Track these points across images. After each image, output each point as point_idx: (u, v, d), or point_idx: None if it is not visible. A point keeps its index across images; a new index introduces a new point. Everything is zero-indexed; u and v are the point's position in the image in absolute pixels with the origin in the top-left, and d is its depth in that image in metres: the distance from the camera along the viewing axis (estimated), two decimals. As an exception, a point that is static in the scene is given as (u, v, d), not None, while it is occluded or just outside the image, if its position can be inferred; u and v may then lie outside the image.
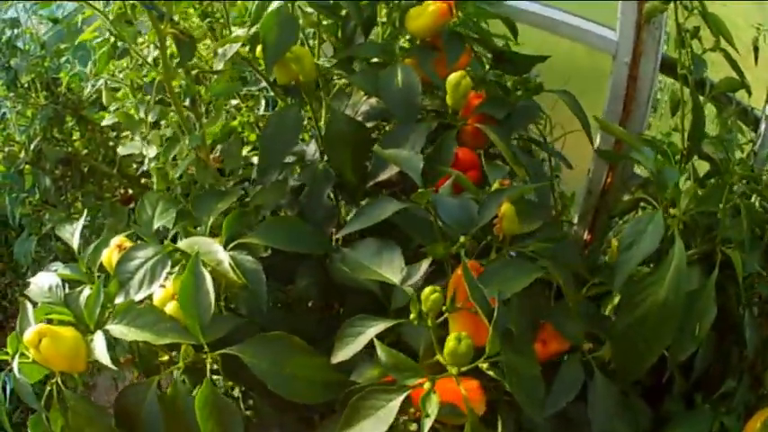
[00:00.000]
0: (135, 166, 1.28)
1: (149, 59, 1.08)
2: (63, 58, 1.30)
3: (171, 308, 1.02)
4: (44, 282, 1.12)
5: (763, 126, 1.43)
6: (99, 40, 1.14)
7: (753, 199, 1.34)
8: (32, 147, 1.25)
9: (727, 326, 1.27)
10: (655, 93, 1.35)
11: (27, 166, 1.28)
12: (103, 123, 1.13)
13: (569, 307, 1.07)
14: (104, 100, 1.12)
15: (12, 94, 1.25)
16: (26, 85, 1.26)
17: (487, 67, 1.21)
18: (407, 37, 1.20)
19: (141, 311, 1.02)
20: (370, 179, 1.09)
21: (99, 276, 1.08)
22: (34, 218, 1.31)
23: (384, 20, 1.20)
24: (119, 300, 1.03)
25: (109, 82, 1.13)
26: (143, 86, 1.11)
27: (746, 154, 1.41)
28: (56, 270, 1.13)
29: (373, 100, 1.14)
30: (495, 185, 1.01)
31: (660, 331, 1.08)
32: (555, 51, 1.43)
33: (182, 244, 1.04)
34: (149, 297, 1.04)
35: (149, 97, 1.08)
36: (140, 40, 1.10)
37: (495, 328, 0.89)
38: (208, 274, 0.98)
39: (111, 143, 1.30)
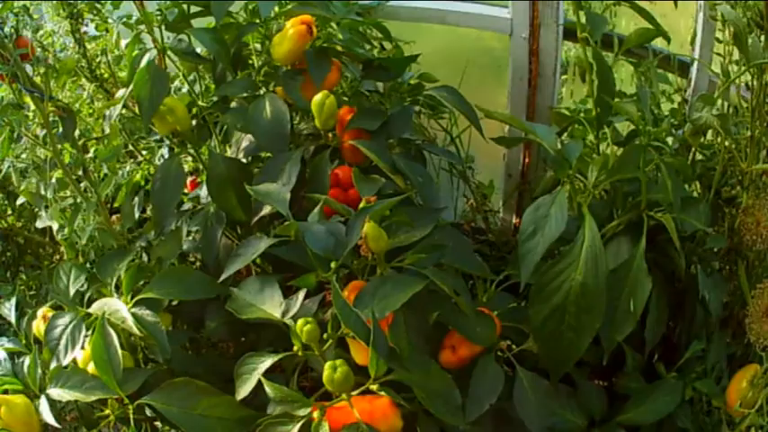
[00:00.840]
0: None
1: (40, 139, 1.14)
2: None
3: (92, 367, 1.10)
4: (-8, 356, 1.23)
5: (693, 70, 1.35)
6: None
7: (691, 151, 1.28)
8: (-31, 228, 1.34)
9: (678, 290, 1.23)
10: (563, 62, 1.31)
11: (-32, 247, 1.37)
12: (18, 203, 1.20)
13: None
14: (14, 181, 1.20)
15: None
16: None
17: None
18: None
19: (69, 374, 1.11)
20: (254, 215, 1.11)
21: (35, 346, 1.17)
22: (-17, 294, 1.41)
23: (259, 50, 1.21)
24: (52, 365, 1.12)
25: (15, 163, 1.20)
26: (39, 165, 1.18)
27: (678, 103, 1.34)
28: (2, 345, 1.23)
29: (251, 135, 1.16)
30: (362, 204, 1.01)
31: (586, 316, 1.06)
32: (462, 36, 1.41)
33: (93, 307, 1.11)
34: (74, 360, 1.12)
35: (51, 173, 1.14)
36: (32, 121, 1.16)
37: (375, 350, 0.90)
38: (114, 333, 1.05)
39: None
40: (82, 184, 1.16)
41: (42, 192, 1.15)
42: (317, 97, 1.10)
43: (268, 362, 1.00)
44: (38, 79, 1.15)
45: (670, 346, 1.29)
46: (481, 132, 1.18)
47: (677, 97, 1.34)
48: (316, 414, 0.94)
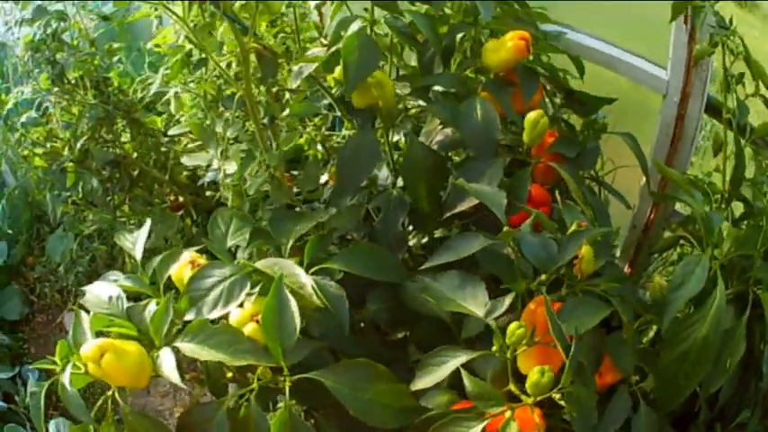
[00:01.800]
0: (186, 174, 1.25)
1: (230, 73, 1.06)
2: (115, 58, 1.25)
3: (250, 329, 1.01)
4: (103, 292, 1.09)
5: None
6: (167, 47, 1.11)
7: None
8: (79, 146, 1.20)
9: (748, 360, 1.35)
10: (698, 132, 1.41)
11: (70, 164, 1.23)
12: (171, 132, 1.10)
13: (624, 340, 1.11)
14: (173, 109, 1.09)
15: (56, 90, 1.20)
16: (73, 82, 1.21)
17: (554, 104, 1.24)
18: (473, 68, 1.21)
19: (216, 331, 1.00)
20: (446, 210, 1.10)
21: (169, 291, 1.06)
22: (75, 217, 1.26)
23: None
24: (189, 317, 1.01)
25: (179, 91, 1.10)
26: (218, 100, 1.09)
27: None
28: (115, 280, 1.10)
29: (449, 130, 1.15)
30: (574, 227, 1.04)
31: (699, 366, 1.14)
32: (599, 81, 1.47)
33: (260, 264, 1.03)
34: (225, 316, 1.03)
35: (228, 112, 1.06)
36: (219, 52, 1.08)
37: (571, 363, 0.93)
38: (292, 297, 0.99)
39: (163, 149, 1.27)
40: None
41: (219, 129, 1.07)
42: (533, 115, 1.11)
43: (463, 357, 0.98)
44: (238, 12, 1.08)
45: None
46: (648, 182, 1.24)
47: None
48: (507, 413, 0.95)
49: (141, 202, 1.26)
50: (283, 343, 0.97)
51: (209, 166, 1.09)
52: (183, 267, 1.06)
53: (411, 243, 1.17)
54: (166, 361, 0.99)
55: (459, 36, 1.20)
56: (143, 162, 1.25)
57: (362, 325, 1.12)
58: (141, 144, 1.25)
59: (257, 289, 1.04)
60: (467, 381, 0.95)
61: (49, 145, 1.22)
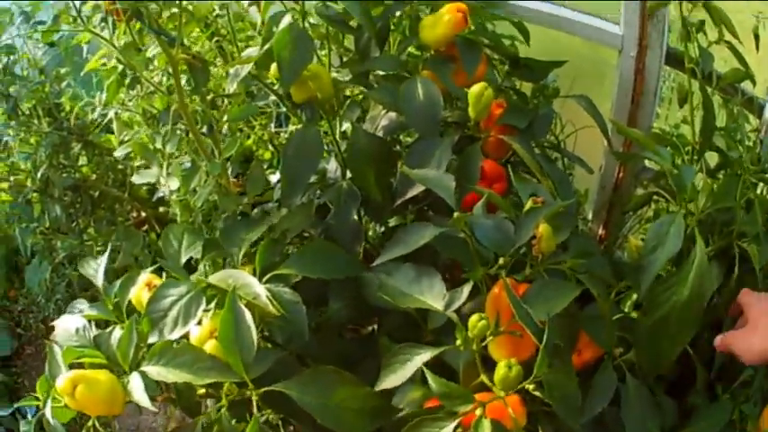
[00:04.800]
0: (145, 188, 1.25)
1: (162, 87, 1.04)
2: (63, 83, 1.25)
3: (210, 346, 1.01)
4: (70, 324, 1.09)
5: (767, 113, 1.43)
6: (106, 68, 1.09)
7: (759, 188, 1.36)
8: (39, 175, 1.21)
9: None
10: (660, 85, 1.35)
11: (35, 195, 1.24)
12: (116, 154, 1.09)
13: (600, 315, 1.07)
14: (116, 130, 1.08)
15: (13, 123, 1.20)
16: (27, 113, 1.21)
17: (501, 73, 1.19)
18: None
19: (178, 351, 0.99)
20: (397, 197, 1.07)
21: (130, 316, 1.05)
22: (45, 246, 1.27)
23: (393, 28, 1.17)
24: (152, 339, 1.01)
25: (119, 111, 1.08)
26: (156, 115, 1.08)
27: (752, 142, 1.42)
28: (80, 311, 1.11)
29: (393, 114, 1.12)
30: (529, 204, 1.00)
31: (684, 329, 1.10)
32: (554, 43, 1.42)
33: (214, 278, 1.01)
34: (185, 336, 1.02)
35: (165, 127, 1.04)
36: (150, 66, 1.06)
37: (546, 350, 0.89)
38: (246, 309, 0.97)
39: (120, 167, 1.27)
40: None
41: (158, 145, 1.05)
42: (476, 88, 1.07)
43: (426, 354, 0.95)
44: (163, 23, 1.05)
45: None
46: (610, 143, 1.19)
47: (752, 135, 1.42)
48: (478, 411, 0.93)
49: (105, 222, 1.27)
50: (243, 357, 0.96)
51: (158, 182, 1.08)
52: (140, 290, 1.06)
53: (370, 233, 1.15)
54: (136, 386, 0.99)
55: (397, 15, 1.17)
56: (102, 183, 1.25)
57: (322, 324, 1.09)
58: (98, 165, 1.25)
59: (213, 304, 1.03)
60: (431, 380, 0.92)
61: (12, 178, 1.23)
